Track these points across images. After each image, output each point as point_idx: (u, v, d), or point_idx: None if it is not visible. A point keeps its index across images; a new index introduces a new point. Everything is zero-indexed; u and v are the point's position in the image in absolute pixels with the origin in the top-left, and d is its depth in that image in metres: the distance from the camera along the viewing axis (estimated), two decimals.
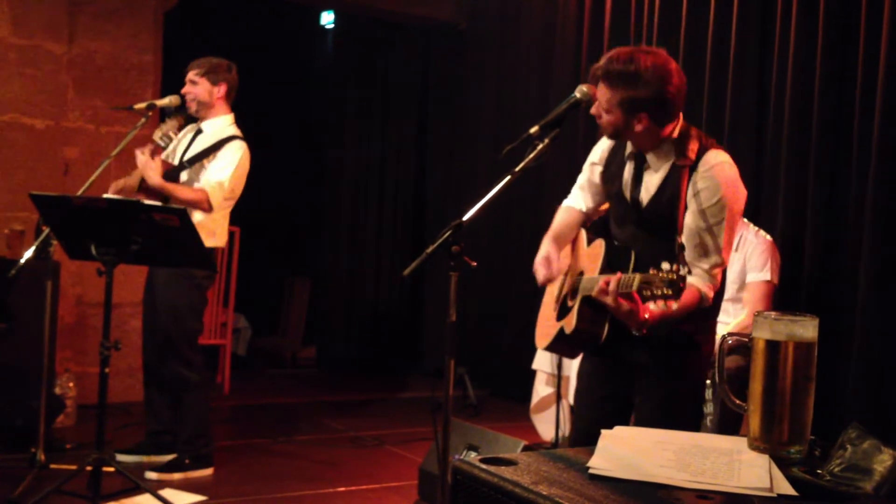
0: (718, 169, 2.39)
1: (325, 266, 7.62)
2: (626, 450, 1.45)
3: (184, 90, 4.22)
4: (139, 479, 3.69)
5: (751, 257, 3.93)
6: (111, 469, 3.49)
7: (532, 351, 4.81)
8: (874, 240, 3.84)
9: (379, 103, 7.46)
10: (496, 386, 6.43)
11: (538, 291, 2.81)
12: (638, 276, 2.10)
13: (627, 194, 2.50)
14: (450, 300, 2.31)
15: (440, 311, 2.93)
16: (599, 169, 2.64)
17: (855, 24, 4.00)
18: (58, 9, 5.40)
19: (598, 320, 2.44)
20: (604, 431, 1.53)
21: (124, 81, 5.58)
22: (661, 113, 2.38)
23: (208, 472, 4.16)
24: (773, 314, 1.43)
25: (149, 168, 3.99)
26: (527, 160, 2.38)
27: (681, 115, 2.46)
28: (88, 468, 3.40)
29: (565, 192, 2.80)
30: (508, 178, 2.37)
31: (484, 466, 1.37)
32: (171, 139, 4.16)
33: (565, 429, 4.60)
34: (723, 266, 2.41)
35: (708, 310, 2.50)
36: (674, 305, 2.07)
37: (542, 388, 4.79)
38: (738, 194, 2.43)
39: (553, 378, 4.60)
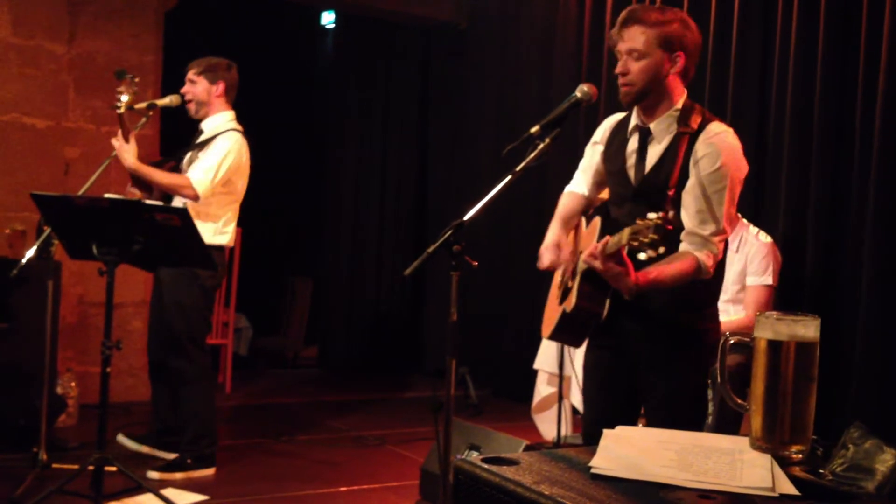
0: (720, 137, 2.40)
1: (326, 266, 7.62)
2: (627, 449, 1.45)
3: (183, 89, 4.23)
4: (141, 478, 3.69)
5: (752, 260, 3.92)
6: (113, 469, 3.49)
7: (533, 351, 4.81)
8: (876, 240, 3.84)
9: (380, 103, 7.45)
10: (498, 385, 6.44)
11: (539, 291, 2.82)
12: (627, 229, 2.10)
13: (630, 170, 2.50)
14: (451, 300, 2.31)
15: (441, 310, 2.93)
16: (601, 148, 2.64)
17: (856, 24, 4.00)
18: (58, 9, 5.40)
19: (599, 297, 2.43)
20: (605, 431, 1.53)
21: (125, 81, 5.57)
22: (691, 58, 2.44)
23: (210, 471, 4.16)
24: (775, 314, 1.43)
25: (123, 150, 3.98)
26: (528, 160, 2.38)
27: (686, 91, 2.49)
28: (90, 468, 3.40)
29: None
30: (509, 177, 2.37)
31: (485, 466, 1.37)
32: (120, 101, 3.96)
33: (567, 429, 4.60)
34: (724, 235, 2.39)
35: (707, 292, 2.49)
36: (661, 250, 2.04)
37: (543, 388, 4.79)
38: (740, 163, 2.42)
39: (555, 378, 4.61)
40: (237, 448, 4.69)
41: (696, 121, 2.42)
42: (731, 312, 3.90)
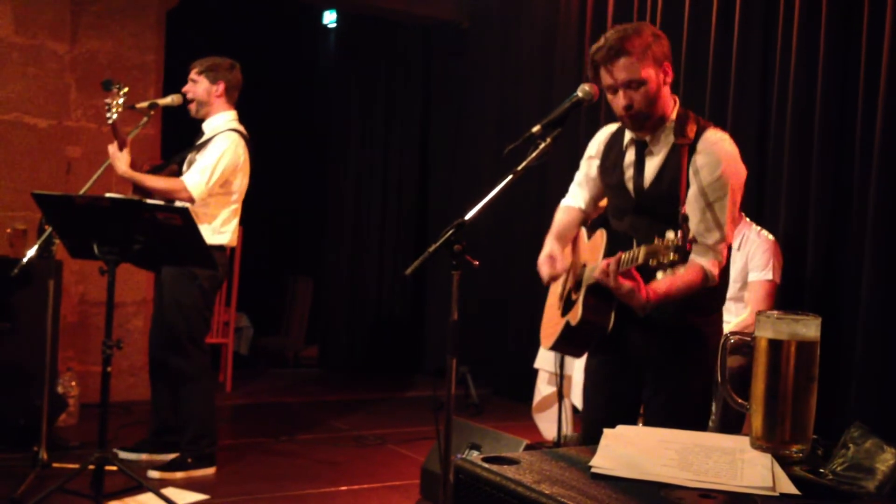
0: (718, 146, 2.41)
1: (327, 265, 7.62)
2: (628, 449, 1.45)
3: (185, 88, 4.23)
4: (142, 478, 3.70)
5: (753, 256, 3.93)
6: (114, 468, 3.50)
7: (534, 350, 4.82)
8: (876, 240, 3.84)
9: (381, 103, 7.46)
10: (498, 385, 6.44)
11: (540, 291, 2.81)
12: (643, 248, 2.11)
13: (629, 182, 2.50)
14: (452, 299, 2.31)
15: (442, 310, 2.93)
16: (597, 162, 2.65)
17: (857, 24, 4.00)
18: (61, 8, 5.40)
19: (604, 309, 2.43)
20: (606, 431, 1.53)
21: (126, 81, 5.54)
22: (671, 63, 2.46)
23: (210, 471, 4.16)
24: (775, 313, 1.43)
25: (115, 159, 3.98)
26: (529, 159, 2.38)
27: (677, 98, 2.49)
28: (91, 467, 3.40)
29: (567, 191, 2.80)
30: (510, 177, 2.37)
31: (486, 465, 1.37)
32: (109, 111, 3.94)
33: (567, 428, 4.60)
34: (727, 242, 2.41)
35: (714, 298, 2.49)
36: (680, 270, 2.06)
37: (544, 387, 4.79)
38: (739, 170, 2.43)
39: (555, 377, 4.60)
40: (238, 447, 4.70)
41: (691, 130, 2.43)
42: (732, 310, 3.90)
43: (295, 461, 4.55)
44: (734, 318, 3.91)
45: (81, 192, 3.88)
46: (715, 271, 2.38)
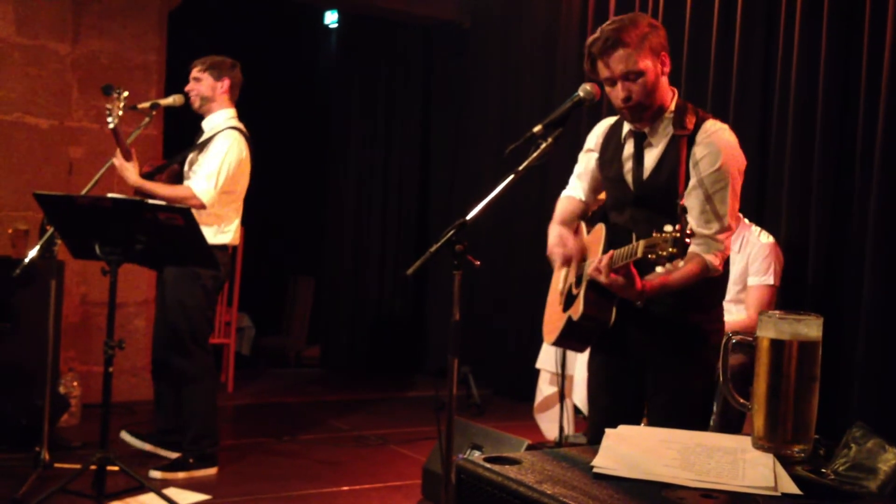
0: (717, 136, 2.40)
1: (328, 265, 7.62)
2: (630, 449, 1.45)
3: (187, 87, 4.23)
4: (143, 478, 3.70)
5: (754, 261, 3.92)
6: (115, 468, 3.50)
7: (535, 350, 4.81)
8: (878, 240, 3.83)
9: (383, 102, 7.46)
10: (500, 385, 6.43)
11: (541, 291, 2.81)
12: (641, 242, 2.10)
13: (628, 175, 2.50)
14: (453, 299, 2.31)
15: (444, 310, 2.93)
16: (595, 155, 2.64)
17: (859, 24, 3.99)
18: (62, 9, 5.41)
19: (605, 304, 2.43)
20: (608, 430, 1.53)
21: (128, 81, 5.57)
22: (668, 53, 2.45)
23: (212, 471, 4.16)
24: (777, 313, 1.43)
25: (125, 170, 3.99)
26: (530, 159, 2.38)
27: (676, 90, 2.49)
28: (93, 467, 3.41)
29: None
30: (511, 177, 2.36)
31: (488, 465, 1.37)
32: (110, 117, 3.91)
33: (569, 428, 4.60)
34: (729, 232, 2.40)
35: (714, 294, 2.49)
36: (680, 263, 2.05)
37: (545, 387, 4.79)
38: (739, 159, 2.43)
39: (557, 377, 4.60)
40: (239, 448, 4.70)
41: (690, 121, 2.42)
42: (732, 312, 3.89)
43: (296, 461, 4.55)
44: (734, 319, 3.90)
45: (83, 192, 3.88)
46: (716, 262, 2.37)
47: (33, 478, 3.62)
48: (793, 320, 1.40)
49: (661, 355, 2.46)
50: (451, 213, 6.39)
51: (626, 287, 2.25)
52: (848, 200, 4.04)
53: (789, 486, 1.30)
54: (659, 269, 2.08)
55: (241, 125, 4.20)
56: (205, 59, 4.23)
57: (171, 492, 3.71)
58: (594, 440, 2.57)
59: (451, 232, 2.29)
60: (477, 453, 3.62)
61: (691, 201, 2.38)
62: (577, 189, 2.72)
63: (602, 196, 2.71)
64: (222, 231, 4.14)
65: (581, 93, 2.44)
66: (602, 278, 2.24)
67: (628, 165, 2.50)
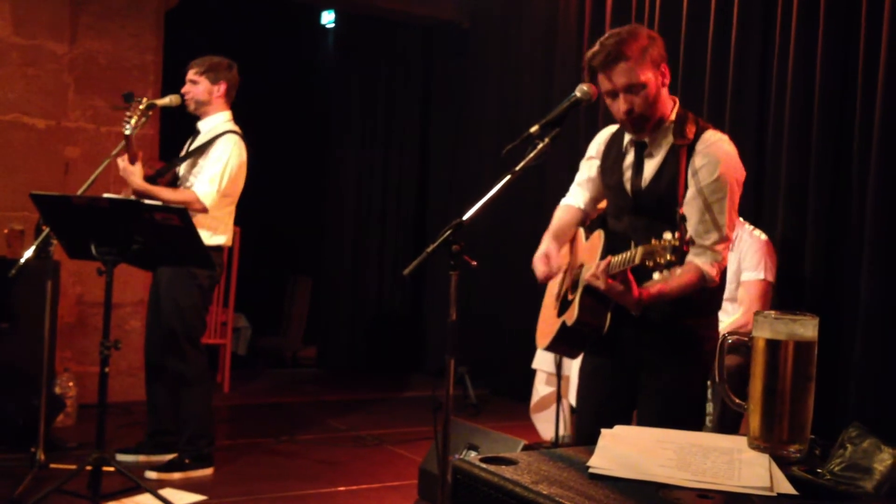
0: (717, 146, 2.41)
1: (326, 265, 7.62)
2: (626, 449, 1.45)
3: (183, 89, 4.22)
4: (139, 478, 3.69)
5: (745, 256, 3.94)
6: (111, 469, 3.49)
7: (532, 350, 4.81)
8: (875, 239, 3.84)
9: (381, 102, 7.46)
10: (496, 385, 6.44)
11: (539, 291, 2.81)
12: (640, 249, 2.10)
13: (628, 183, 2.51)
14: (450, 299, 2.31)
15: (441, 310, 2.93)
16: (597, 163, 2.65)
17: (855, 23, 4.00)
18: (60, 9, 5.40)
19: (600, 310, 2.44)
20: (604, 431, 1.53)
21: (125, 81, 5.58)
22: (668, 66, 2.46)
23: (208, 471, 4.16)
24: (773, 313, 1.43)
25: (130, 174, 3.98)
26: (527, 159, 2.38)
27: (676, 99, 2.50)
28: (88, 468, 3.40)
29: (566, 191, 2.81)
30: (508, 177, 2.36)
31: (484, 466, 1.37)
32: (129, 123, 3.95)
33: (565, 428, 4.60)
34: (727, 243, 2.41)
35: (710, 300, 2.49)
36: (677, 271, 2.05)
37: (542, 388, 4.80)
38: (738, 171, 2.43)
39: (553, 377, 4.61)
40: (236, 448, 4.69)
41: (691, 130, 2.43)
42: (728, 311, 3.90)
43: (293, 461, 4.54)
44: (728, 317, 3.91)
45: (79, 192, 3.87)
46: (713, 272, 2.38)
47: (29, 478, 3.61)
48: (788, 320, 1.41)
49: (655, 359, 2.46)
50: (449, 214, 6.36)
51: (623, 294, 2.26)
52: (845, 199, 4.05)
53: (785, 487, 1.30)
54: (656, 275, 2.08)
55: (237, 128, 4.21)
56: (202, 60, 4.22)
57: (167, 492, 3.71)
58: (581, 440, 2.59)
59: (448, 232, 2.29)
60: (473, 453, 3.62)
61: (690, 211, 2.38)
62: (577, 197, 2.73)
63: (601, 206, 2.71)
64: (218, 233, 4.14)
65: (578, 93, 2.44)
66: (599, 284, 2.25)
67: (628, 174, 2.51)
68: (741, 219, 4.01)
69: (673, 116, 2.47)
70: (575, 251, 2.68)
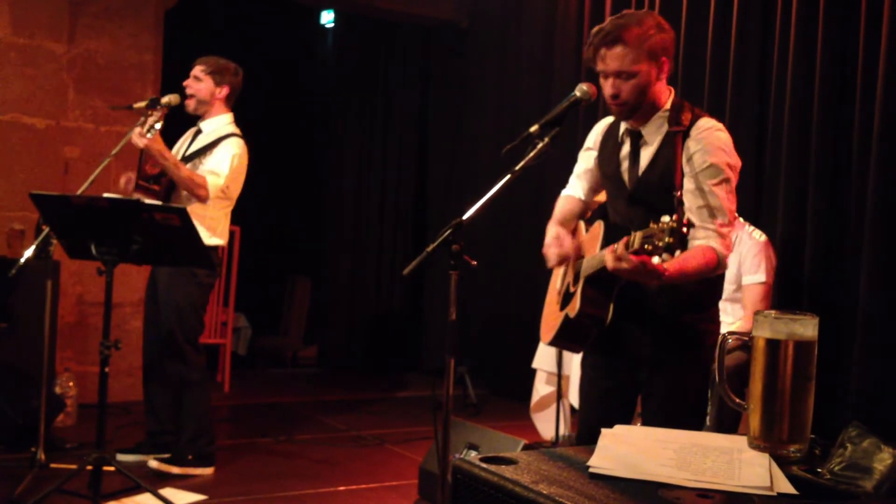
0: (710, 132, 2.41)
1: (325, 265, 7.62)
2: (626, 449, 1.45)
3: (186, 83, 4.20)
4: (139, 478, 3.69)
5: (745, 259, 3.94)
6: (111, 468, 3.49)
7: (532, 350, 4.82)
8: (874, 239, 3.84)
9: (380, 102, 7.46)
10: (496, 385, 6.44)
11: (539, 290, 2.81)
12: (639, 233, 2.05)
13: (625, 173, 2.51)
14: (450, 299, 2.31)
15: (440, 310, 2.93)
16: (594, 154, 2.65)
17: (855, 23, 4.00)
18: (58, 8, 5.40)
19: (602, 301, 2.43)
20: (604, 430, 1.53)
21: (124, 81, 5.58)
22: (671, 57, 2.43)
23: (209, 471, 4.15)
24: (773, 313, 1.43)
25: (153, 142, 3.93)
26: (527, 159, 2.38)
27: (672, 89, 2.50)
28: (89, 467, 3.40)
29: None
30: (508, 177, 2.36)
31: (484, 465, 1.37)
32: (153, 128, 3.95)
33: (565, 428, 4.60)
34: (731, 226, 2.40)
35: (709, 293, 2.49)
36: (678, 253, 2.01)
37: (542, 387, 4.80)
38: (731, 156, 2.43)
39: (553, 377, 4.61)
40: (236, 448, 4.69)
41: (686, 118, 2.43)
42: (728, 311, 3.90)
43: (293, 461, 4.54)
44: (730, 318, 3.91)
45: (79, 192, 3.87)
46: (726, 253, 2.37)
47: (29, 478, 3.60)
48: (788, 320, 1.41)
49: (656, 354, 2.46)
50: (448, 213, 6.38)
51: (652, 270, 2.12)
52: (845, 200, 4.05)
53: (785, 486, 1.30)
54: (656, 259, 2.05)
55: (239, 131, 4.22)
56: (210, 60, 4.20)
57: (167, 492, 3.71)
58: (583, 439, 2.58)
59: (448, 232, 2.29)
60: (473, 453, 3.62)
61: (689, 197, 2.38)
62: (576, 188, 2.73)
63: (601, 197, 2.71)
64: (216, 234, 4.15)
65: (578, 93, 2.44)
66: (624, 265, 2.11)
67: (625, 164, 2.51)
68: (741, 219, 4.02)
69: (668, 105, 2.46)
70: (578, 244, 2.68)
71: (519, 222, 6.15)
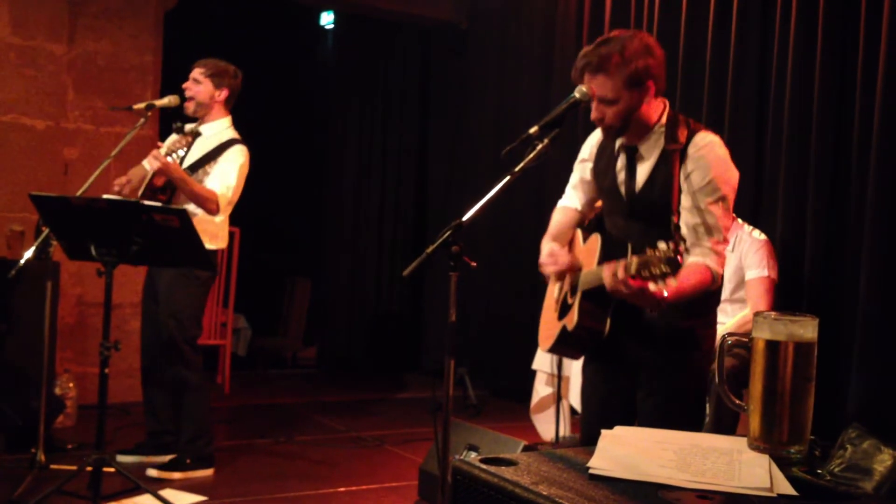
0: (708, 149, 2.41)
1: (325, 266, 7.62)
2: (626, 450, 1.45)
3: (185, 85, 4.21)
4: (139, 479, 3.69)
5: (746, 255, 3.94)
6: (111, 469, 3.49)
7: (532, 351, 4.82)
8: (874, 240, 3.84)
9: (380, 103, 7.46)
10: (496, 386, 6.44)
11: (538, 291, 2.81)
12: (635, 259, 2.05)
13: (622, 186, 2.51)
14: (450, 300, 2.31)
15: (440, 311, 2.93)
16: (590, 165, 2.66)
17: (854, 25, 4.00)
18: (58, 9, 5.40)
19: (600, 314, 2.43)
20: (604, 432, 1.53)
21: (124, 82, 5.58)
22: (660, 79, 2.43)
23: (209, 472, 4.15)
24: (772, 314, 1.43)
25: (169, 164, 3.97)
26: (526, 160, 2.38)
27: (667, 102, 2.49)
28: (89, 468, 3.40)
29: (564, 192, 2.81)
30: (508, 178, 2.36)
31: (484, 467, 1.37)
32: (177, 155, 4.07)
33: (565, 429, 4.61)
34: (725, 243, 2.42)
35: (709, 300, 2.49)
36: (672, 282, 2.02)
37: (542, 388, 4.80)
38: (730, 172, 2.43)
39: (553, 378, 4.61)
40: (236, 449, 4.69)
41: (682, 134, 2.43)
42: (728, 312, 3.90)
43: (293, 462, 4.54)
44: (729, 318, 3.90)
45: (79, 193, 3.87)
46: (720, 272, 2.39)
47: (29, 479, 3.61)
48: (788, 321, 1.41)
49: (654, 359, 2.47)
50: (448, 214, 6.38)
51: (651, 295, 2.12)
52: (844, 201, 4.05)
53: (785, 487, 1.30)
54: (651, 286, 2.06)
55: (238, 135, 4.23)
56: (209, 62, 4.20)
57: (167, 493, 3.71)
58: (585, 442, 2.58)
59: (448, 233, 2.29)
60: (473, 454, 3.62)
61: (686, 215, 2.39)
62: (572, 199, 2.74)
63: (598, 204, 2.71)
64: (217, 238, 4.16)
65: (577, 94, 2.44)
66: (623, 288, 2.12)
67: (621, 177, 2.51)
68: (739, 220, 4.02)
69: (663, 120, 2.46)
70: (573, 254, 2.68)
71: (519, 223, 6.15)
